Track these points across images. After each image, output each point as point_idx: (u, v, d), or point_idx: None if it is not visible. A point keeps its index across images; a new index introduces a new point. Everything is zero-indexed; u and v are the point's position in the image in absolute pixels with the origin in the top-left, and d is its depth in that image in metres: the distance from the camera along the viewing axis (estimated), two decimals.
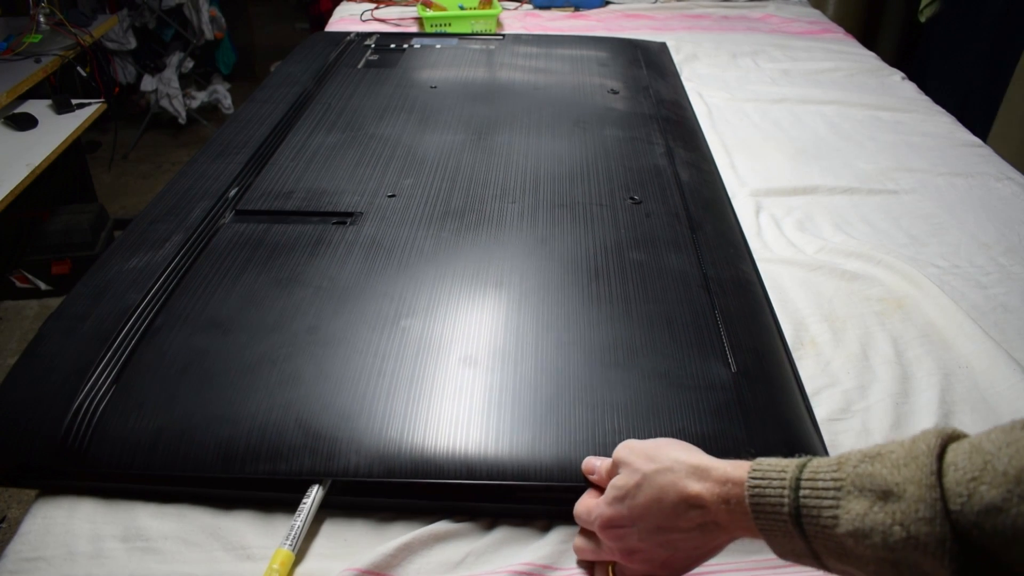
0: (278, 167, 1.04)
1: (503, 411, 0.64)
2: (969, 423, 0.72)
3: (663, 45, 1.66)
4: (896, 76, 1.56)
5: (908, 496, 0.37)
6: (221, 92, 3.29)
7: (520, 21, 1.97)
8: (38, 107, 1.95)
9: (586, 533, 0.57)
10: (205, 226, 0.90)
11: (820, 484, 0.41)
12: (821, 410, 0.72)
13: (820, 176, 1.14)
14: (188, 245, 0.86)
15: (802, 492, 0.41)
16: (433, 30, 1.80)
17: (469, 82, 1.36)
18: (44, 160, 1.73)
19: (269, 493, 0.61)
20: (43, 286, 2.12)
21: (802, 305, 0.86)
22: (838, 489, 0.40)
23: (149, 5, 2.95)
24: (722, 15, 2.02)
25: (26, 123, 1.86)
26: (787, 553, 0.43)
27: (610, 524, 0.52)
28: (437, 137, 1.13)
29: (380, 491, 0.61)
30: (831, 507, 0.40)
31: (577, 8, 2.04)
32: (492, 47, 1.56)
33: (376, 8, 2.00)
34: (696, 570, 0.52)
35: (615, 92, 1.32)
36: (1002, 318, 0.85)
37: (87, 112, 1.96)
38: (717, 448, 0.60)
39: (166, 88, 3.06)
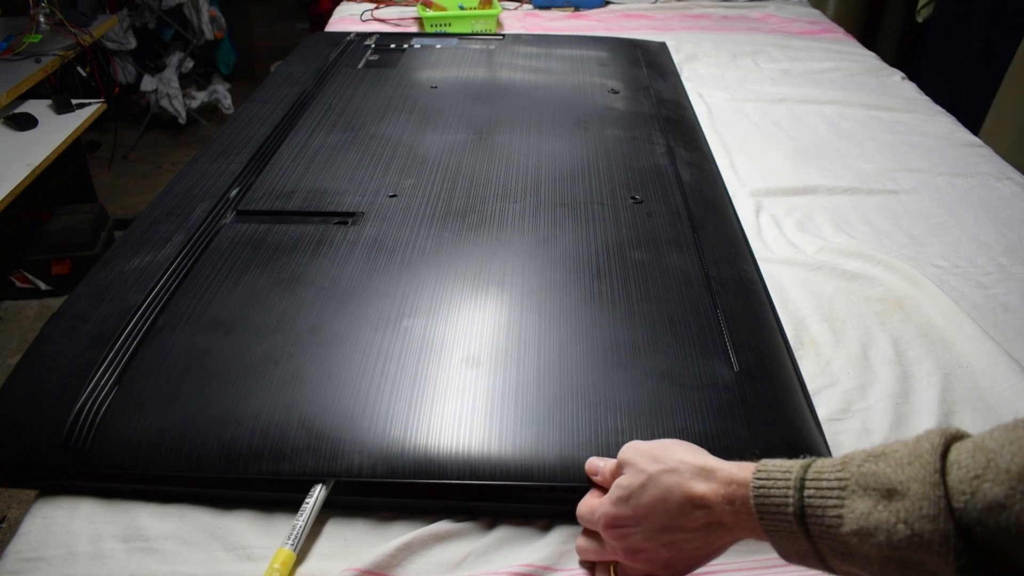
0: (279, 167, 1.04)
1: (505, 411, 0.65)
2: (969, 423, 0.72)
3: (663, 45, 1.66)
4: (896, 76, 1.56)
5: (912, 494, 0.37)
6: (221, 92, 3.29)
7: (520, 21, 1.97)
8: (38, 107, 1.95)
9: (589, 534, 0.57)
10: (206, 226, 0.90)
11: (824, 484, 0.41)
12: (821, 410, 0.72)
13: (820, 176, 1.14)
14: (190, 245, 0.86)
15: (806, 492, 0.41)
16: (433, 30, 1.80)
17: (469, 82, 1.36)
18: (44, 160, 1.73)
19: (272, 493, 0.61)
20: (43, 286, 2.12)
21: (802, 305, 0.86)
22: (842, 489, 0.40)
23: (149, 5, 2.95)
24: (722, 15, 2.02)
25: (26, 123, 1.86)
26: (792, 554, 0.43)
27: (614, 523, 0.52)
28: (438, 137, 1.13)
29: (383, 491, 0.61)
30: (835, 506, 0.40)
31: (577, 8, 2.05)
32: (492, 47, 1.56)
33: (376, 8, 2.00)
34: (697, 570, 0.52)
35: (615, 92, 1.33)
36: (1002, 318, 0.85)
37: (87, 112, 1.96)
38: (720, 447, 0.60)
39: (166, 88, 3.06)
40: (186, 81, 3.22)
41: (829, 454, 0.62)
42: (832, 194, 1.10)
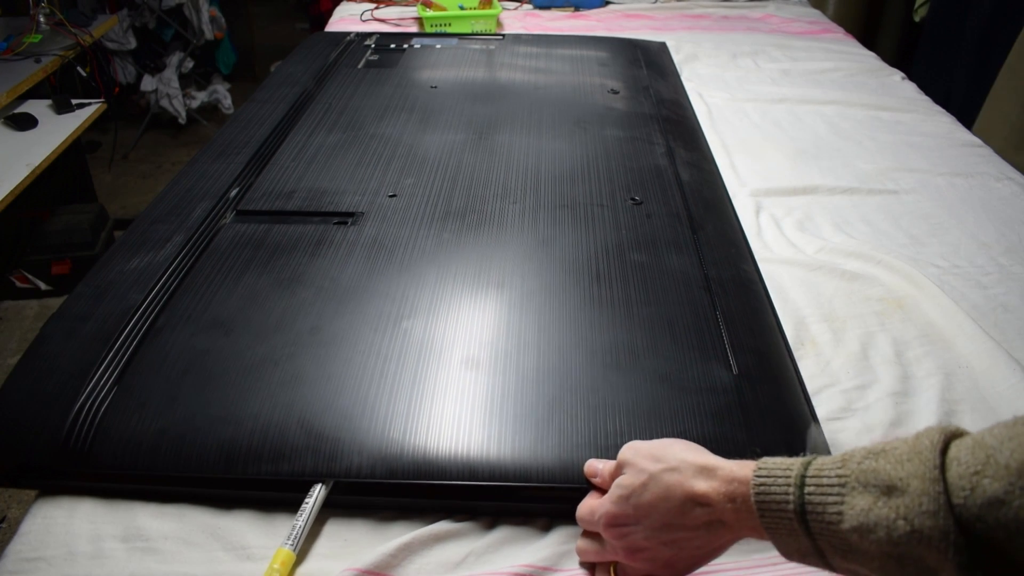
0: (279, 167, 1.04)
1: (505, 412, 0.65)
2: (969, 423, 0.72)
3: (663, 45, 1.66)
4: (896, 76, 1.56)
5: (912, 490, 0.37)
6: (221, 92, 3.29)
7: (520, 21, 1.97)
8: (38, 107, 1.95)
9: (589, 535, 0.57)
10: (206, 226, 0.90)
11: (825, 481, 0.41)
12: (821, 410, 0.72)
13: (820, 176, 1.14)
14: (189, 245, 0.86)
15: (807, 489, 0.42)
16: (433, 30, 1.80)
17: (469, 82, 1.36)
18: (44, 160, 1.73)
19: (271, 493, 0.61)
20: (43, 286, 2.12)
21: (802, 305, 0.86)
22: (842, 485, 0.40)
23: (149, 5, 2.95)
24: (722, 15, 2.02)
25: (26, 123, 1.86)
26: (792, 552, 0.43)
27: (615, 522, 0.52)
28: (438, 137, 1.13)
29: (382, 491, 0.61)
30: (836, 503, 0.40)
31: (577, 8, 2.05)
32: (492, 47, 1.56)
33: (376, 8, 2.00)
34: (698, 570, 0.52)
35: (615, 92, 1.33)
36: (1002, 318, 0.85)
37: (87, 112, 1.96)
38: (719, 451, 0.60)
39: (166, 88, 3.06)
40: (186, 81, 3.22)
41: (829, 455, 0.62)
42: (832, 194, 1.10)
